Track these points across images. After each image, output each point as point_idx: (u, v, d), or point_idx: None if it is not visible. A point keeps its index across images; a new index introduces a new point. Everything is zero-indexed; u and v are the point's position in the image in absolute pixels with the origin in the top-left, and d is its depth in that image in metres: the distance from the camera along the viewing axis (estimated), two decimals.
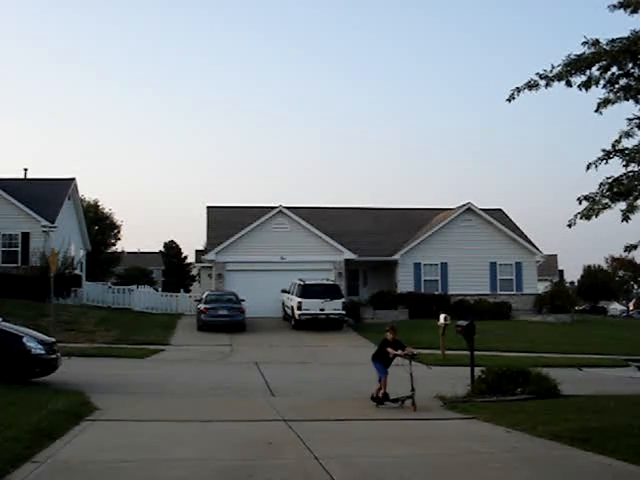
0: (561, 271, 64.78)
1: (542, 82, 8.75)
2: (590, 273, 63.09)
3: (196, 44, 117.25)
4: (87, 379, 13.42)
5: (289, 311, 30.08)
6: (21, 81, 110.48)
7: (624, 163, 8.79)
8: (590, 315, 46.78)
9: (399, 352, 11.18)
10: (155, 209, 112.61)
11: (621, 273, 66.82)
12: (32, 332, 13.12)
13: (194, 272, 55.41)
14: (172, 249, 59.87)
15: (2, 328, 12.44)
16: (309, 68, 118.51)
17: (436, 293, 35.24)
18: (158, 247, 62.43)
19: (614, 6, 8.70)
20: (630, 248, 9.18)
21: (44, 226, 32.26)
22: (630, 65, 8.59)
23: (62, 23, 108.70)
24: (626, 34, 8.49)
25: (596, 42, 8.54)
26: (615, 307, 68.46)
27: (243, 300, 28.90)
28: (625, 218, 8.55)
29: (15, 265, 31.87)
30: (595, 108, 8.94)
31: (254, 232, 34.20)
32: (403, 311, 34.32)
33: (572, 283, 64.67)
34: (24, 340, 12.20)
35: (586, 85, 8.65)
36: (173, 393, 12.71)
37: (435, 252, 36.23)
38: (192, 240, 65.17)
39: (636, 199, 8.59)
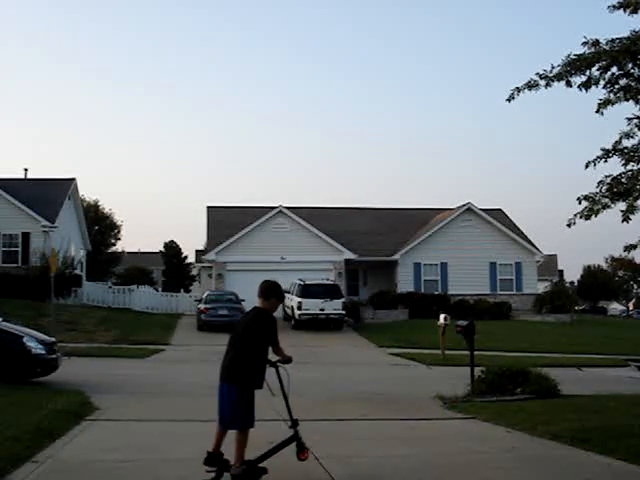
0: (561, 271, 64.78)
1: (542, 82, 8.73)
2: (590, 273, 63.10)
3: (195, 44, 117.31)
4: (87, 379, 13.41)
5: (289, 311, 30.09)
6: (21, 81, 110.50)
7: (623, 162, 8.78)
8: (590, 315, 46.78)
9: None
10: (155, 209, 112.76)
11: (621, 273, 66.86)
12: (32, 332, 13.10)
13: (194, 272, 55.40)
14: (172, 249, 59.79)
15: (2, 328, 12.43)
16: (309, 68, 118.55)
17: (436, 293, 35.25)
18: (158, 247, 62.41)
19: (614, 6, 8.69)
20: (629, 248, 9.16)
21: (44, 226, 32.29)
22: (630, 65, 8.57)
23: (61, 23, 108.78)
24: (626, 34, 8.48)
25: (596, 42, 8.52)
26: (615, 307, 68.50)
27: (243, 300, 28.89)
28: (625, 219, 8.52)
29: (15, 265, 31.92)
30: (596, 109, 8.92)
31: (254, 232, 34.22)
32: (403, 311, 34.33)
33: (572, 283, 64.63)
34: (24, 340, 12.19)
35: (586, 85, 8.64)
36: (173, 393, 12.69)
37: (435, 252, 36.25)
38: (192, 240, 65.40)
39: (636, 199, 8.56)
